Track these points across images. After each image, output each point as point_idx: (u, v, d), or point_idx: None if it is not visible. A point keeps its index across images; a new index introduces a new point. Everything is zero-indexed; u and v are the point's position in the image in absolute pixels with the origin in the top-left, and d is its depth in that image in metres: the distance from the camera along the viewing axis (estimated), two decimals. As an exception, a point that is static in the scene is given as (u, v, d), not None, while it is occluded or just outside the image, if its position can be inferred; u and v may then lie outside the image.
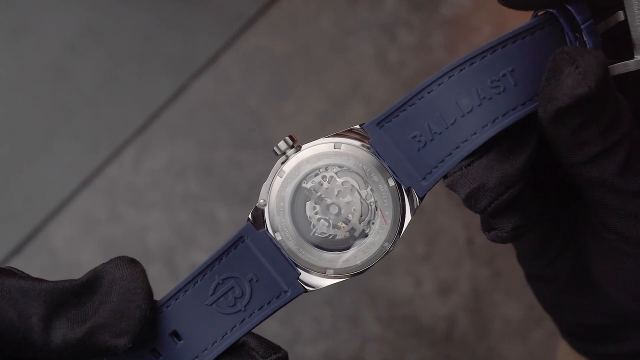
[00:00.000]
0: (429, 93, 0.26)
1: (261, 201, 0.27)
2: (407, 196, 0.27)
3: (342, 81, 0.67)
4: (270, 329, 0.61)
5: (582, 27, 0.25)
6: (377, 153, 0.26)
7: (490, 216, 0.26)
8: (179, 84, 0.67)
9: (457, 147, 0.25)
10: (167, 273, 0.63)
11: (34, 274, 0.26)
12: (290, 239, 0.27)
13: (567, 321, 0.32)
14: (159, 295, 0.28)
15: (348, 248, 0.27)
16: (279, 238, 0.27)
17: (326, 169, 0.27)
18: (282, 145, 0.28)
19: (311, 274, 0.27)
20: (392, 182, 0.27)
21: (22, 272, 0.26)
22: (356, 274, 0.27)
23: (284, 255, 0.27)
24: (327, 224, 0.27)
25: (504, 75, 0.25)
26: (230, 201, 0.64)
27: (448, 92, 0.25)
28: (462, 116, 0.25)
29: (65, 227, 0.65)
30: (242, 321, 0.27)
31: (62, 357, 0.25)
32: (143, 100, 0.67)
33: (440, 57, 0.67)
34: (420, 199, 0.27)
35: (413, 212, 0.27)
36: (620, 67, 0.26)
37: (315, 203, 0.27)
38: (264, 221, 0.27)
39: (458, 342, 0.61)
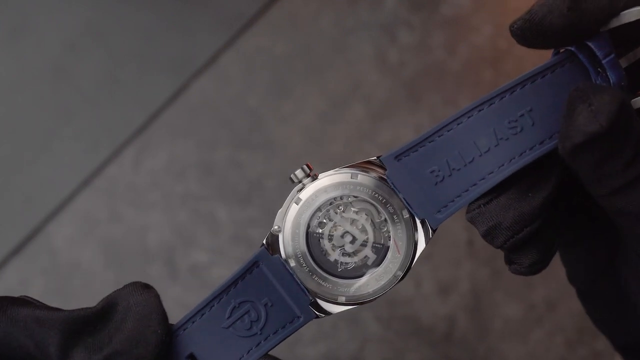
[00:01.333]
0: (448, 131, 0.27)
1: (276, 227, 0.28)
2: (422, 227, 0.27)
3: (342, 81, 0.67)
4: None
5: (603, 62, 0.26)
6: (393, 185, 0.27)
7: (509, 252, 0.27)
8: (179, 84, 0.67)
9: (475, 185, 0.26)
10: (167, 273, 0.63)
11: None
12: (303, 265, 0.27)
13: (615, 336, 0.33)
14: (164, 299, 0.27)
15: (361, 276, 0.28)
16: (292, 264, 0.27)
17: (341, 198, 0.28)
18: (299, 173, 0.28)
19: (323, 300, 0.28)
20: (406, 214, 0.27)
21: (37, 301, 0.26)
22: (367, 302, 0.28)
23: (297, 282, 0.27)
24: (340, 252, 0.28)
25: (522, 115, 0.26)
26: (230, 201, 0.64)
27: (466, 131, 0.26)
28: (480, 155, 0.26)
29: (65, 227, 0.65)
30: (258, 344, 0.27)
31: None
32: (143, 100, 0.67)
33: (440, 57, 0.67)
34: (433, 231, 0.27)
35: (427, 242, 0.27)
36: None
37: (330, 232, 0.28)
38: (279, 247, 0.28)
39: (458, 342, 0.61)
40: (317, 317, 0.28)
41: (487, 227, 0.26)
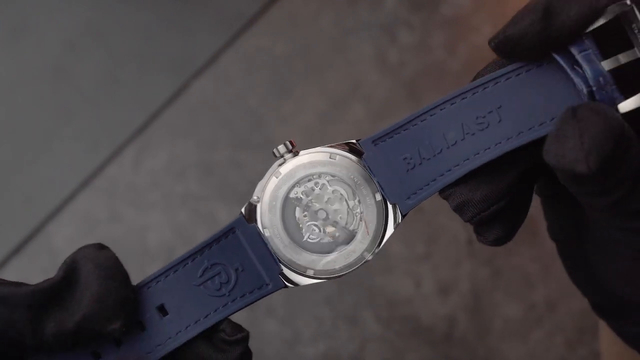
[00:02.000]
0: (422, 121, 0.28)
1: (255, 197, 0.29)
2: (393, 211, 0.29)
3: (342, 81, 0.67)
4: (271, 329, 0.61)
5: (577, 57, 0.26)
6: (368, 168, 0.29)
7: (476, 226, 0.28)
8: (179, 84, 0.67)
9: (442, 175, 0.28)
10: (167, 273, 0.63)
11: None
12: (277, 236, 0.29)
13: (586, 295, 0.33)
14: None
15: (330, 252, 0.29)
16: (267, 234, 0.29)
17: (319, 177, 0.29)
18: (281, 148, 0.29)
19: (292, 271, 0.29)
20: (379, 197, 0.29)
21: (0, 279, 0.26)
22: (334, 278, 0.29)
23: (270, 251, 0.29)
24: (313, 227, 0.29)
25: (491, 112, 0.27)
26: (230, 201, 0.64)
27: (437, 123, 0.28)
28: (447, 148, 0.28)
29: (65, 227, 0.65)
30: (225, 305, 0.28)
31: (61, 348, 0.26)
32: (143, 100, 0.67)
33: (440, 57, 0.67)
34: (403, 216, 0.29)
35: (395, 226, 0.29)
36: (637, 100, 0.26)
37: (305, 207, 0.29)
38: (256, 217, 0.29)
39: (458, 342, 0.61)
40: (286, 286, 0.29)
41: (458, 202, 0.28)
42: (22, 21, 0.69)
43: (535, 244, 0.61)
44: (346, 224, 0.29)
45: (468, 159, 0.27)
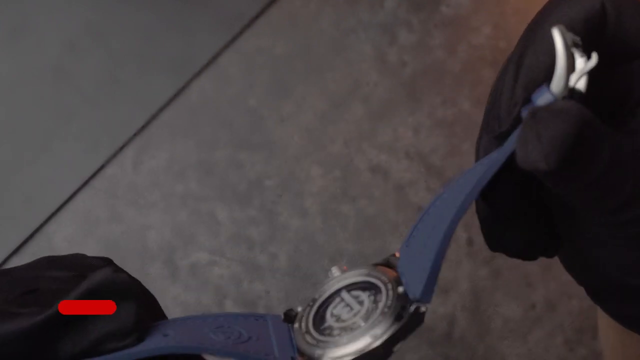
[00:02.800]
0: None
1: (299, 309, 0.29)
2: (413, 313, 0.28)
3: (342, 81, 0.67)
4: (270, 329, 0.61)
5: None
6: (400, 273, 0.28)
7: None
8: (179, 84, 0.67)
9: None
10: (167, 273, 0.63)
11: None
12: (302, 329, 0.28)
13: (579, 281, 0.33)
14: (164, 299, 0.28)
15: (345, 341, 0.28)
16: (295, 326, 0.28)
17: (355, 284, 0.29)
18: (335, 270, 0.29)
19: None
20: (401, 289, 0.28)
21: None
22: None
23: (291, 337, 0.28)
24: (335, 319, 0.28)
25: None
26: (230, 201, 0.64)
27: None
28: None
29: (65, 227, 0.65)
30: (225, 345, 0.27)
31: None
32: (143, 100, 0.67)
33: (440, 57, 0.67)
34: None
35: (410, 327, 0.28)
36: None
37: (336, 306, 0.28)
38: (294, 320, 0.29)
39: (457, 342, 0.61)
40: None
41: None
42: (22, 21, 0.69)
43: (535, 244, 0.61)
44: (367, 311, 0.28)
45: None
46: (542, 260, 0.31)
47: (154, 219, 0.64)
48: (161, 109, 0.67)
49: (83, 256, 0.31)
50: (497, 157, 0.27)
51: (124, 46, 0.68)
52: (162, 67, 0.68)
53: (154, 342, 0.26)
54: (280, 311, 0.29)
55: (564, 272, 0.33)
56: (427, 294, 0.26)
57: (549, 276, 0.61)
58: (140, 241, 0.64)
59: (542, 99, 0.26)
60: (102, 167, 0.66)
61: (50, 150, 0.67)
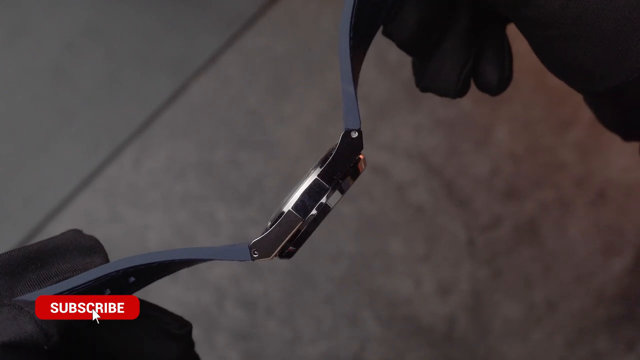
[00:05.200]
0: None
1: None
2: None
3: (342, 81, 0.67)
4: (271, 329, 0.61)
5: None
6: None
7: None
8: (179, 84, 0.67)
9: None
10: (167, 273, 0.63)
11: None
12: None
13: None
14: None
15: None
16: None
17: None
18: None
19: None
20: None
21: None
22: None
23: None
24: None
25: None
26: (230, 201, 0.64)
27: None
28: None
29: (65, 227, 0.65)
30: None
31: None
32: (143, 100, 0.67)
33: (440, 57, 0.67)
34: None
35: None
36: None
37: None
38: None
39: (458, 342, 0.61)
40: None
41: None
42: (22, 21, 0.69)
43: (536, 244, 0.61)
44: None
45: None
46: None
47: (153, 219, 0.64)
48: (161, 109, 0.67)
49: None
50: None
51: (123, 46, 0.68)
52: (162, 67, 0.68)
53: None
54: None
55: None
56: (349, 119, 0.30)
57: (549, 276, 0.61)
58: (140, 241, 0.64)
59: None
60: (102, 167, 0.66)
61: (50, 150, 0.67)
